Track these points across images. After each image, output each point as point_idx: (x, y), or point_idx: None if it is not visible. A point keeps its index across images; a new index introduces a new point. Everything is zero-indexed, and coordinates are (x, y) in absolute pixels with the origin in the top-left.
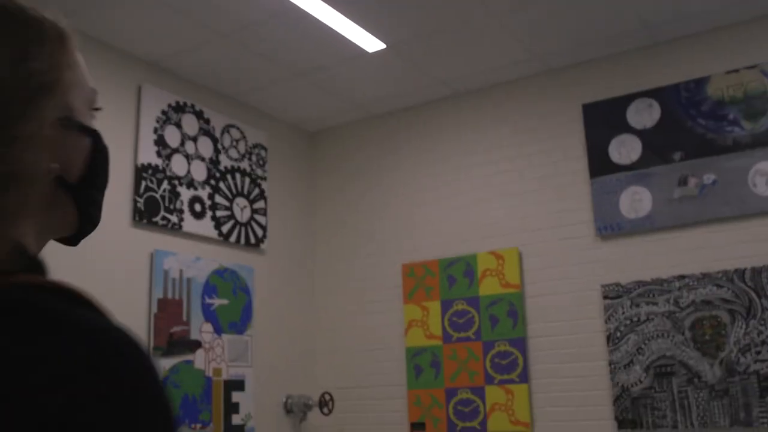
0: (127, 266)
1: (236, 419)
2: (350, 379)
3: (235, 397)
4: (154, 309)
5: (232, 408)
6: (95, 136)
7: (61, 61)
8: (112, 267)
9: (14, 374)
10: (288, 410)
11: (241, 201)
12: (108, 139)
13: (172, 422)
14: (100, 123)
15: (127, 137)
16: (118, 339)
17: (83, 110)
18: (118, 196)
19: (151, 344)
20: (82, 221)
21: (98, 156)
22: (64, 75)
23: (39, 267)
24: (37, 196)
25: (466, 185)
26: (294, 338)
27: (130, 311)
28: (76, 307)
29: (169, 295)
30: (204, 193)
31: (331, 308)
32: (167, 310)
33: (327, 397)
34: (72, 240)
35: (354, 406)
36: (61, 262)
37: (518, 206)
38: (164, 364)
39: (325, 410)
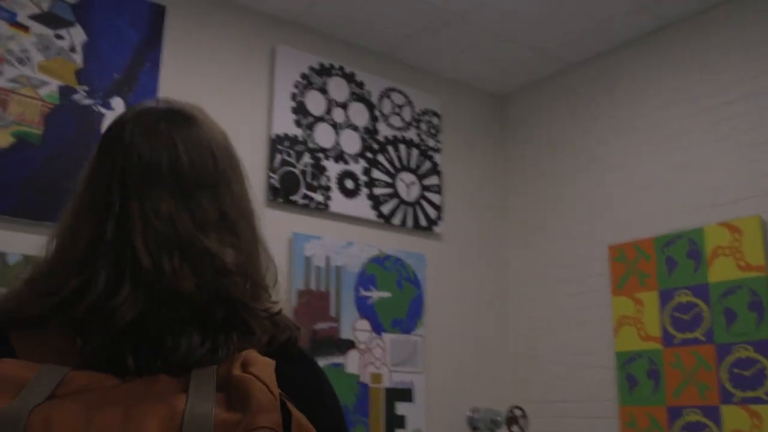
0: None
1: None
2: (547, 392)
3: (401, 408)
4: (294, 302)
5: (396, 421)
6: None
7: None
8: None
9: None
10: (473, 427)
11: (406, 176)
12: (238, 110)
13: None
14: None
15: (259, 106)
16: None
17: None
18: (249, 174)
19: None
20: None
21: None
22: None
23: None
24: None
25: (688, 138)
26: (478, 339)
27: None
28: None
29: (313, 286)
30: (357, 167)
31: (522, 303)
32: (310, 304)
33: (518, 412)
34: None
35: (552, 424)
36: None
37: (760, 161)
38: None
39: (516, 429)
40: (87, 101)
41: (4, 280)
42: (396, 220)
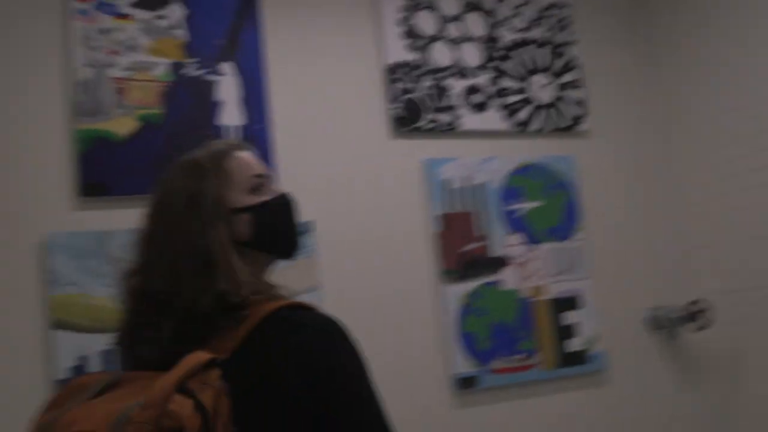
0: (394, 186)
1: (573, 344)
2: (737, 279)
3: (568, 318)
4: (434, 228)
5: (564, 332)
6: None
7: (220, 182)
8: (376, 192)
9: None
10: (656, 326)
11: (538, 79)
12: (347, 49)
13: (363, 360)
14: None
15: (368, 40)
16: (326, 323)
17: (243, 196)
18: (368, 109)
19: (439, 269)
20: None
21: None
22: (222, 190)
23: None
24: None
25: None
26: (645, 235)
27: (407, 238)
28: (306, 312)
29: (453, 209)
30: (483, 79)
31: (694, 186)
32: (453, 227)
33: (700, 306)
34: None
35: (749, 314)
36: (330, 208)
37: None
38: (460, 290)
39: (698, 323)
40: (197, 72)
41: None
42: (534, 125)
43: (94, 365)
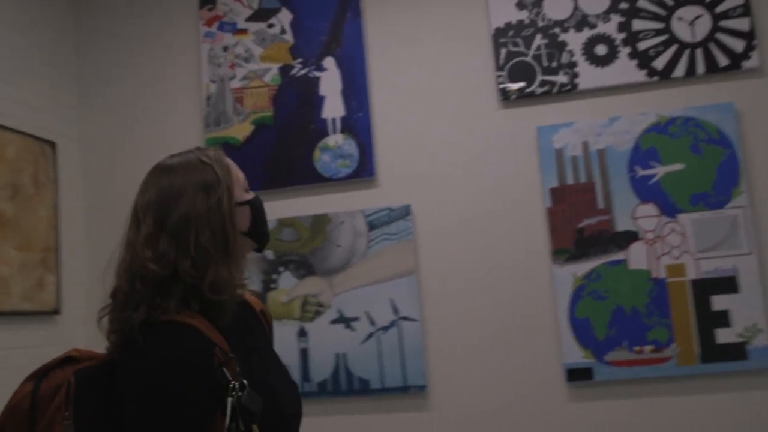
0: (502, 159)
1: (725, 335)
2: None
3: (721, 302)
4: (548, 203)
5: (712, 319)
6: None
7: (228, 184)
8: (482, 167)
9: None
10: None
11: (688, 11)
12: (453, 19)
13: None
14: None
15: (472, 7)
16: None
17: (241, 192)
18: (475, 80)
19: (550, 248)
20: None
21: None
22: (232, 189)
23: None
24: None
25: None
26: None
27: (514, 215)
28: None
29: (570, 180)
30: (609, 26)
31: None
32: (568, 200)
33: None
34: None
35: None
36: (431, 191)
37: None
38: (574, 271)
39: None
40: (302, 71)
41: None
42: (678, 71)
43: None
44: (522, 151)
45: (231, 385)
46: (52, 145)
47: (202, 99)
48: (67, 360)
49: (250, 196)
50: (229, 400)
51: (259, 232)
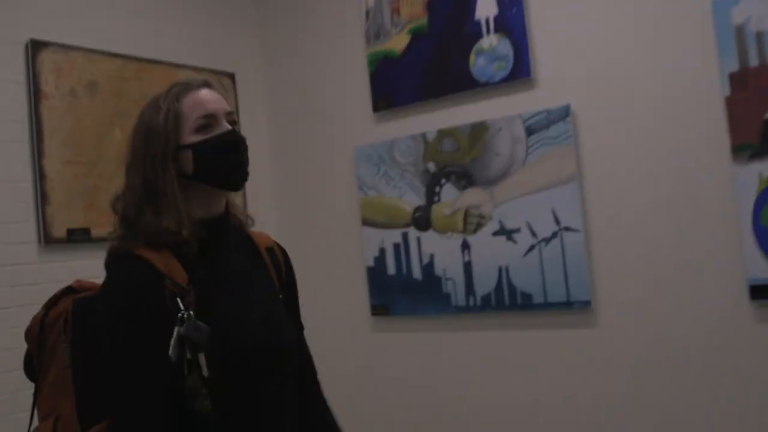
0: (670, 41)
1: None
2: None
3: None
4: (726, 91)
5: None
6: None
7: (169, 130)
8: (647, 52)
9: None
10: None
11: None
12: None
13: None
14: None
15: None
16: None
17: (188, 136)
18: None
19: (730, 143)
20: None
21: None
22: (174, 134)
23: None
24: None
25: None
26: None
27: (686, 106)
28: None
29: (752, 63)
30: None
31: None
32: (752, 86)
33: None
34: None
35: None
36: (591, 88)
37: None
38: (761, 170)
39: None
40: None
41: (429, 155)
42: None
43: (390, 255)
44: (694, 30)
45: (180, 315)
46: (231, 76)
47: (361, 14)
48: (71, 289)
49: (200, 137)
50: (177, 328)
51: (208, 176)
